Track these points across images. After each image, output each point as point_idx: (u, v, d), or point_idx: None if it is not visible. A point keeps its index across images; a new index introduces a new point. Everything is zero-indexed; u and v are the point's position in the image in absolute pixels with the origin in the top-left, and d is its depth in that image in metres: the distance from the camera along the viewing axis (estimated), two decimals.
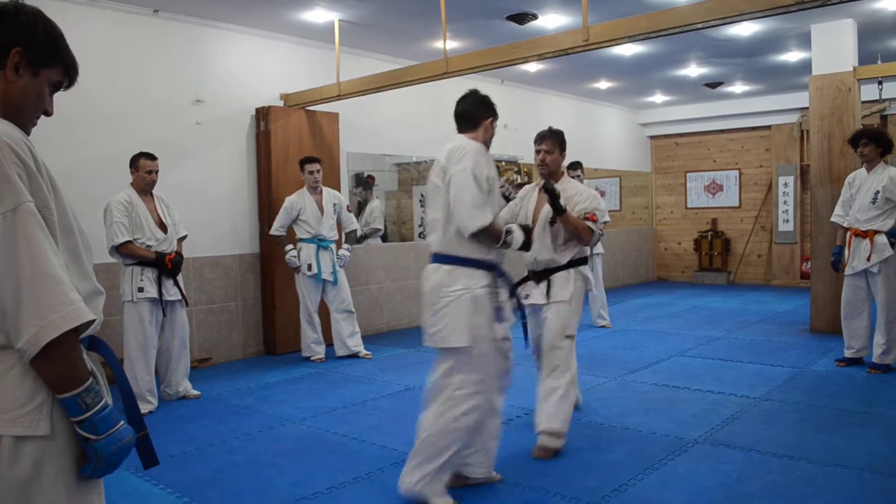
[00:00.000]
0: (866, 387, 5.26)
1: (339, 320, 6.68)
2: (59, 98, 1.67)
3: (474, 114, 3.46)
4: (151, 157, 5.17)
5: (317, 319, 6.66)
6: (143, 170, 5.12)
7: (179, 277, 5.25)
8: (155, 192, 5.26)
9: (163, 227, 5.19)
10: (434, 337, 3.32)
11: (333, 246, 6.64)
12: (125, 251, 4.98)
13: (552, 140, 4.30)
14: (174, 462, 4.02)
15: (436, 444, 3.23)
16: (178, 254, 5.24)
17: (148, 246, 5.06)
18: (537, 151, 4.33)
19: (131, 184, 5.16)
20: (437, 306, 3.27)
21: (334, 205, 6.67)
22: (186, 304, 5.37)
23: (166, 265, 5.10)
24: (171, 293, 5.18)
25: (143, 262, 5.05)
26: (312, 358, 6.64)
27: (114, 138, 5.89)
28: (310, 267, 6.46)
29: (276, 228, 6.50)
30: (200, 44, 6.60)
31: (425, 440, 3.25)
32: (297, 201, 6.52)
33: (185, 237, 5.43)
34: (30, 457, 1.42)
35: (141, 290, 5.03)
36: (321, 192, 6.62)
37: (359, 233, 7.15)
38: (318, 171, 6.55)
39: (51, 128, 1.77)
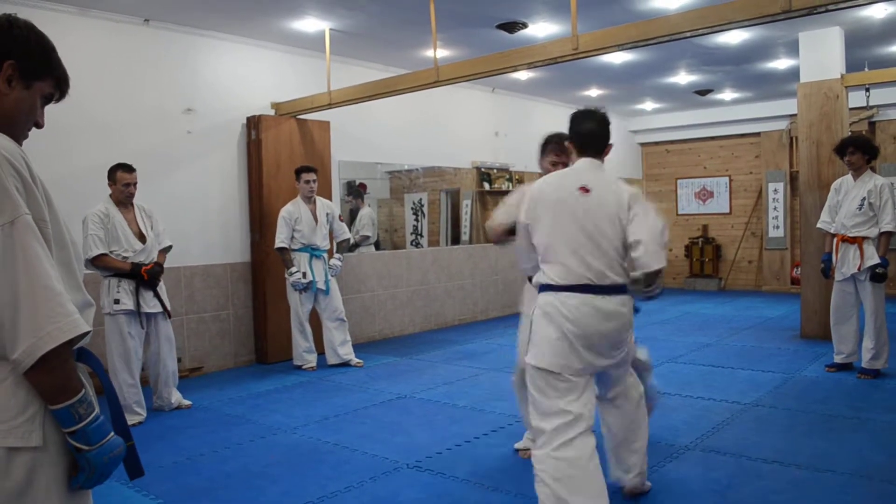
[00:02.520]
0: (856, 392, 5.28)
1: (331, 329, 6.68)
2: (51, 107, 1.68)
3: (605, 136, 3.25)
4: (129, 170, 5.08)
5: (308, 328, 6.65)
6: (121, 182, 5.04)
7: (162, 289, 5.17)
8: (137, 202, 5.18)
9: (142, 237, 5.11)
10: (629, 355, 3.29)
11: (325, 255, 6.64)
12: (100, 264, 4.91)
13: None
14: (165, 472, 4.01)
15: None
16: (158, 264, 5.14)
17: (125, 257, 4.98)
18: (555, 163, 3.95)
19: (109, 195, 5.09)
20: (625, 337, 3.17)
21: (327, 214, 6.67)
22: (168, 315, 5.25)
23: (142, 276, 5.01)
24: (151, 305, 5.09)
25: (120, 273, 4.98)
26: (304, 367, 6.62)
27: (105, 147, 5.88)
28: (304, 275, 6.46)
29: (282, 240, 6.43)
30: (191, 53, 6.60)
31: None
32: (293, 211, 6.50)
33: (169, 247, 5.36)
34: (22, 468, 1.43)
35: (117, 301, 4.95)
36: (315, 201, 6.62)
37: (350, 241, 7.15)
38: (314, 180, 6.55)
39: (42, 137, 1.79)
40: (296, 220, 6.49)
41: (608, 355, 3.09)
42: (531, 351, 3.10)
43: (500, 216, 4.11)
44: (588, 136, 3.22)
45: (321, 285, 6.54)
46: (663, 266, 3.04)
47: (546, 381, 3.01)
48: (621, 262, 3.10)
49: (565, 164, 3.98)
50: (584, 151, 3.23)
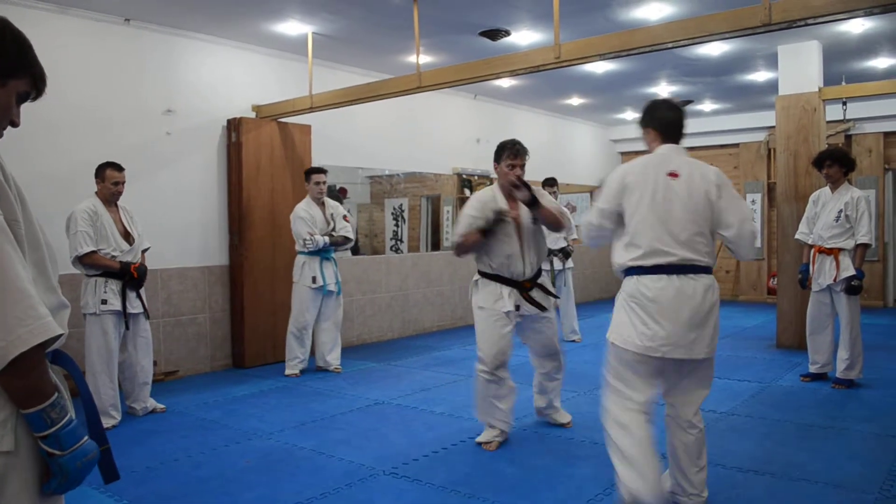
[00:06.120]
0: (830, 402, 5.33)
1: (326, 331, 6.60)
2: (34, 104, 1.65)
3: (684, 124, 3.38)
4: (119, 168, 5.05)
5: (308, 335, 6.53)
6: (110, 181, 5.00)
7: (142, 289, 5.14)
8: (119, 202, 5.14)
9: (128, 237, 5.08)
10: (711, 346, 3.41)
11: (334, 257, 6.59)
12: (89, 262, 4.85)
13: (526, 157, 4.36)
14: (137, 477, 3.95)
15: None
16: (143, 265, 5.13)
17: (113, 257, 4.94)
18: (512, 166, 4.26)
19: (96, 193, 5.04)
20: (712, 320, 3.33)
21: (331, 215, 6.58)
22: (147, 316, 5.23)
23: (132, 275, 4.97)
24: (135, 305, 5.06)
25: (107, 273, 4.93)
26: (296, 374, 6.48)
27: (83, 146, 5.81)
28: (314, 279, 6.38)
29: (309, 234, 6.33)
30: (173, 53, 6.55)
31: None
32: (311, 211, 6.40)
33: (147, 249, 5.31)
34: None
35: (105, 302, 4.89)
36: (324, 202, 6.56)
37: (352, 241, 6.99)
38: (324, 181, 6.49)
39: (19, 134, 1.75)
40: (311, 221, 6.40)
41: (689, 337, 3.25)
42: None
43: (462, 228, 4.26)
44: (672, 123, 3.33)
45: (332, 287, 6.47)
46: (756, 250, 3.26)
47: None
48: (707, 244, 3.30)
49: (522, 167, 4.28)
50: (666, 138, 3.32)
